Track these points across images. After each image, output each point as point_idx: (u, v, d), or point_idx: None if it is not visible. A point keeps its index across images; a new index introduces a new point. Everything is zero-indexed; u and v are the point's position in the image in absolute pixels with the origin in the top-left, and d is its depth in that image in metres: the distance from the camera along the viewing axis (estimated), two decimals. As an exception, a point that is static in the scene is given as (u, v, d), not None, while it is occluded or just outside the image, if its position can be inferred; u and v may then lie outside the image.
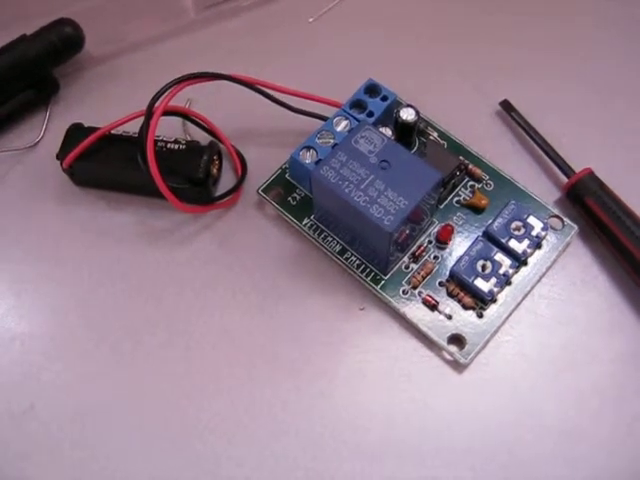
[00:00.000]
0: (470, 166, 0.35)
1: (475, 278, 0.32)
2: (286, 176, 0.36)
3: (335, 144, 0.34)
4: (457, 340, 0.32)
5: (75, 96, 0.40)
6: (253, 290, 0.34)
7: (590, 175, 0.35)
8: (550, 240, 0.34)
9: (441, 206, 0.35)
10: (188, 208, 0.34)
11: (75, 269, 0.35)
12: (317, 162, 0.33)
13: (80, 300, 0.35)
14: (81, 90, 0.41)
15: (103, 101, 0.40)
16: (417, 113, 0.35)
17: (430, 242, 0.34)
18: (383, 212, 0.30)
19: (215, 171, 0.36)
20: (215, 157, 0.36)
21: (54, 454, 0.31)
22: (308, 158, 0.34)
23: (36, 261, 0.36)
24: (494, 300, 0.32)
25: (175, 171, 0.34)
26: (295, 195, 0.35)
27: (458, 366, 0.32)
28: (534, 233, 0.33)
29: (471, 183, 0.35)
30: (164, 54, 0.42)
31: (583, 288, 0.34)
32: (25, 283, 0.35)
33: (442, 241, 0.34)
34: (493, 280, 0.32)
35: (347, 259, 0.34)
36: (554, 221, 0.34)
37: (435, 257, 0.34)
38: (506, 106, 0.38)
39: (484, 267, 0.32)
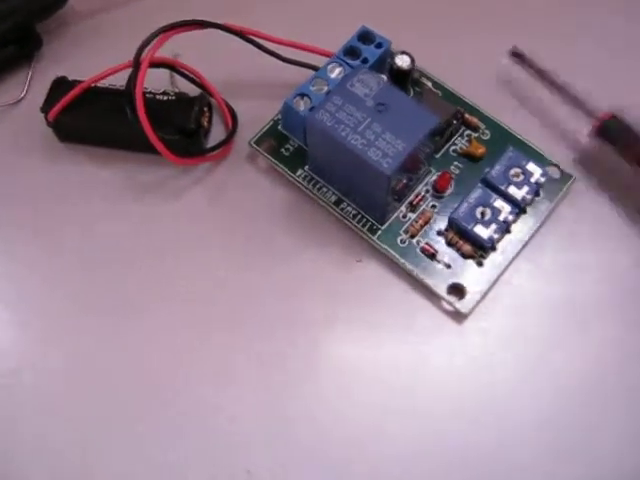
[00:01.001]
0: (466, 115, 0.35)
1: (475, 225, 0.31)
2: (278, 127, 0.35)
3: (329, 91, 0.33)
4: (457, 290, 0.31)
5: (59, 52, 0.39)
6: (246, 244, 0.33)
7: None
8: (549, 189, 0.33)
9: (438, 155, 0.34)
10: (179, 160, 0.33)
11: (60, 226, 0.34)
12: (311, 109, 0.32)
13: (65, 258, 0.33)
14: (65, 46, 0.39)
15: (87, 57, 0.38)
16: (412, 60, 0.34)
17: (427, 191, 0.33)
18: (381, 155, 0.29)
19: (205, 123, 0.35)
20: (205, 109, 0.35)
21: (48, 420, 0.30)
22: (302, 106, 0.33)
23: (19, 219, 0.35)
24: (494, 248, 0.32)
25: (165, 122, 0.33)
26: (288, 146, 0.34)
27: (458, 316, 0.31)
28: (533, 180, 0.32)
29: (467, 132, 0.35)
30: (148, 8, 0.40)
31: (582, 238, 0.33)
32: (8, 243, 0.34)
33: (440, 190, 0.33)
34: (493, 226, 0.31)
35: (343, 209, 0.33)
36: (552, 169, 0.34)
37: (433, 206, 0.33)
38: (516, 53, 0.36)
39: (483, 214, 0.32)
